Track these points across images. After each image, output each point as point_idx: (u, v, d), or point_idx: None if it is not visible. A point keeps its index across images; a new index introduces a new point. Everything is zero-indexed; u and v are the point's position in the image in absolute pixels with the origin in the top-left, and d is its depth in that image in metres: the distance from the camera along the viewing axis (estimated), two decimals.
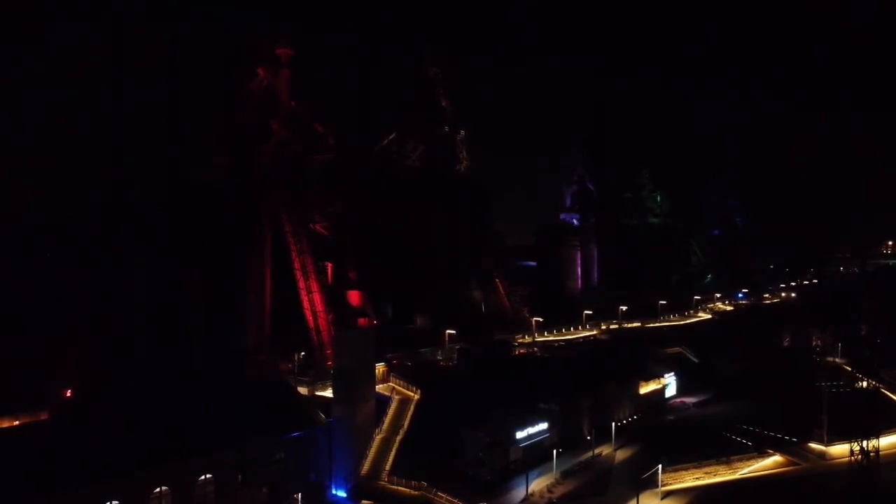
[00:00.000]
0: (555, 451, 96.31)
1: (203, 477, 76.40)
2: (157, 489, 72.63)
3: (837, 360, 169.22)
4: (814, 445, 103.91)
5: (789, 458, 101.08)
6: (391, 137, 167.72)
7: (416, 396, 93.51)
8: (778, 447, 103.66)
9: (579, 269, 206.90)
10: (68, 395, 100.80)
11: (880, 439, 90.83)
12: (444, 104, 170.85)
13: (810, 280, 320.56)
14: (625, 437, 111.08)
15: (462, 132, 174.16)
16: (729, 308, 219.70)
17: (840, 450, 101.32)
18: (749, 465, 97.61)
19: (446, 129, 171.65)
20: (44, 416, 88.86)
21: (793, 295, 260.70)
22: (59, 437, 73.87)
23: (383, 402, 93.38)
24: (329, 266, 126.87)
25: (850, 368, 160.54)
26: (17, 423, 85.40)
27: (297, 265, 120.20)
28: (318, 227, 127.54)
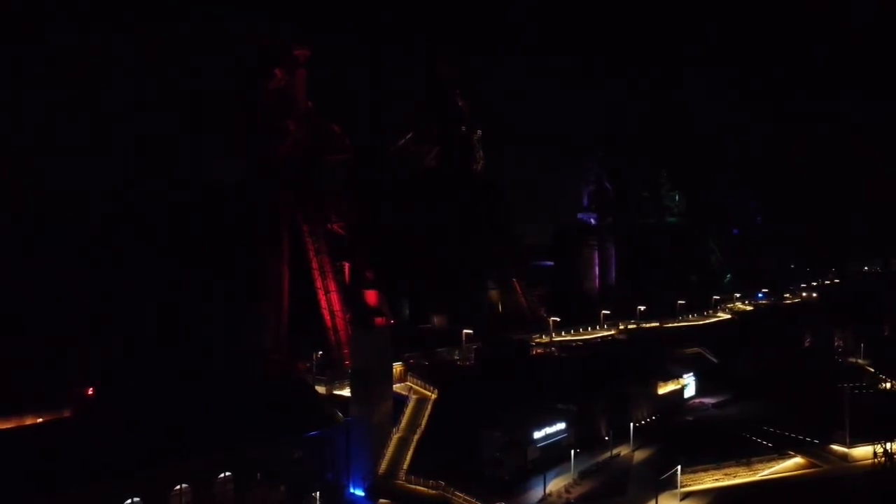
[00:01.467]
0: (572, 452, 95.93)
1: (222, 475, 77.00)
2: (178, 486, 73.32)
3: (860, 360, 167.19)
4: (836, 447, 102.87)
5: (810, 459, 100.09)
6: (408, 137, 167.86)
7: (434, 396, 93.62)
8: (799, 449, 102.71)
9: (597, 269, 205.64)
10: (90, 392, 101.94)
11: None
12: (459, 104, 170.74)
13: (832, 280, 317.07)
14: (643, 437, 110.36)
15: (478, 132, 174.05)
16: (749, 308, 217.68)
17: (863, 452, 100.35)
18: (769, 467, 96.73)
19: (463, 129, 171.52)
20: (66, 414, 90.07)
21: (814, 295, 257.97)
22: (82, 434, 74.87)
23: (400, 401, 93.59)
24: (346, 266, 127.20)
25: (872, 369, 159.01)
26: (40, 420, 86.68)
27: (314, 265, 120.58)
28: (335, 226, 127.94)
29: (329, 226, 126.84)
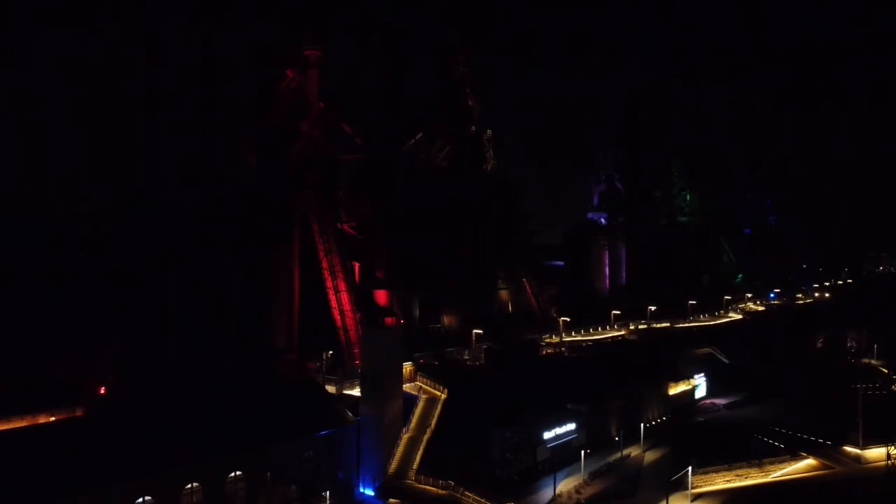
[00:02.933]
0: (583, 452, 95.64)
1: (234, 474, 77.32)
2: (189, 486, 73.71)
3: (873, 361, 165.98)
4: (849, 449, 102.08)
5: (823, 461, 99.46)
6: (418, 137, 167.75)
7: (444, 396, 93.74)
8: (811, 450, 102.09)
9: (607, 269, 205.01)
10: (102, 392, 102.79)
11: None
12: (470, 104, 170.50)
13: (845, 280, 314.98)
14: (654, 438, 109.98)
15: (488, 132, 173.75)
16: (760, 308, 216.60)
17: (876, 453, 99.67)
18: (781, 468, 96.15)
19: (473, 128, 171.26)
20: (79, 413, 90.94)
21: (826, 295, 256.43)
22: (94, 433, 75.41)
23: (410, 401, 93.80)
24: (356, 265, 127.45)
25: (886, 370, 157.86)
26: (52, 418, 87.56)
27: (325, 265, 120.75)
28: (345, 226, 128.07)
29: (339, 225, 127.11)
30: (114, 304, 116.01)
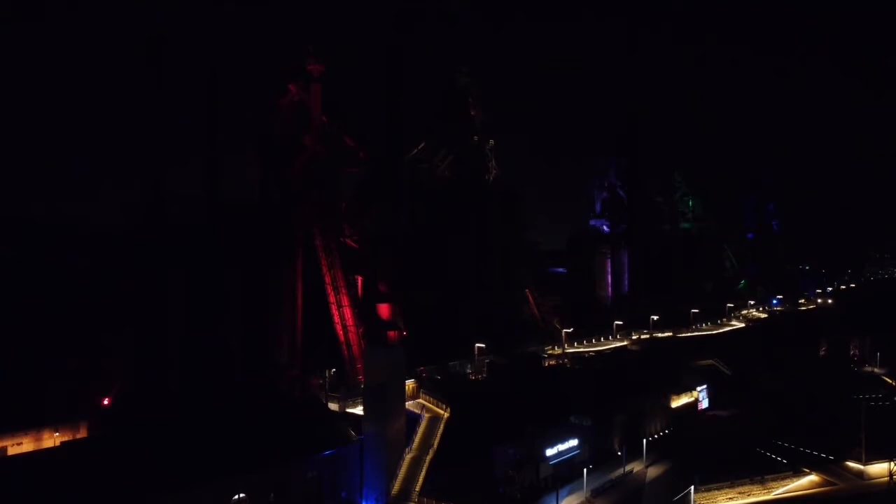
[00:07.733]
0: (585, 470, 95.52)
1: (237, 497, 77.29)
2: None
3: (876, 369, 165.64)
4: (851, 464, 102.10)
5: (825, 477, 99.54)
6: (421, 147, 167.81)
7: (447, 415, 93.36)
8: (814, 466, 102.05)
9: (609, 277, 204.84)
10: (106, 403, 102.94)
11: None
12: (473, 113, 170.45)
13: (847, 283, 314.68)
14: (656, 452, 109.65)
15: (491, 141, 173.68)
16: (763, 315, 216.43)
17: (879, 469, 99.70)
18: (784, 485, 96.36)
19: (476, 138, 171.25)
20: (83, 428, 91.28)
21: (829, 301, 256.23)
22: (93, 459, 74.86)
23: (413, 419, 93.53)
24: (359, 279, 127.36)
25: (889, 379, 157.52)
26: (57, 434, 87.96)
27: (327, 279, 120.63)
28: (348, 240, 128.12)
29: (342, 239, 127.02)
30: (115, 320, 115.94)
